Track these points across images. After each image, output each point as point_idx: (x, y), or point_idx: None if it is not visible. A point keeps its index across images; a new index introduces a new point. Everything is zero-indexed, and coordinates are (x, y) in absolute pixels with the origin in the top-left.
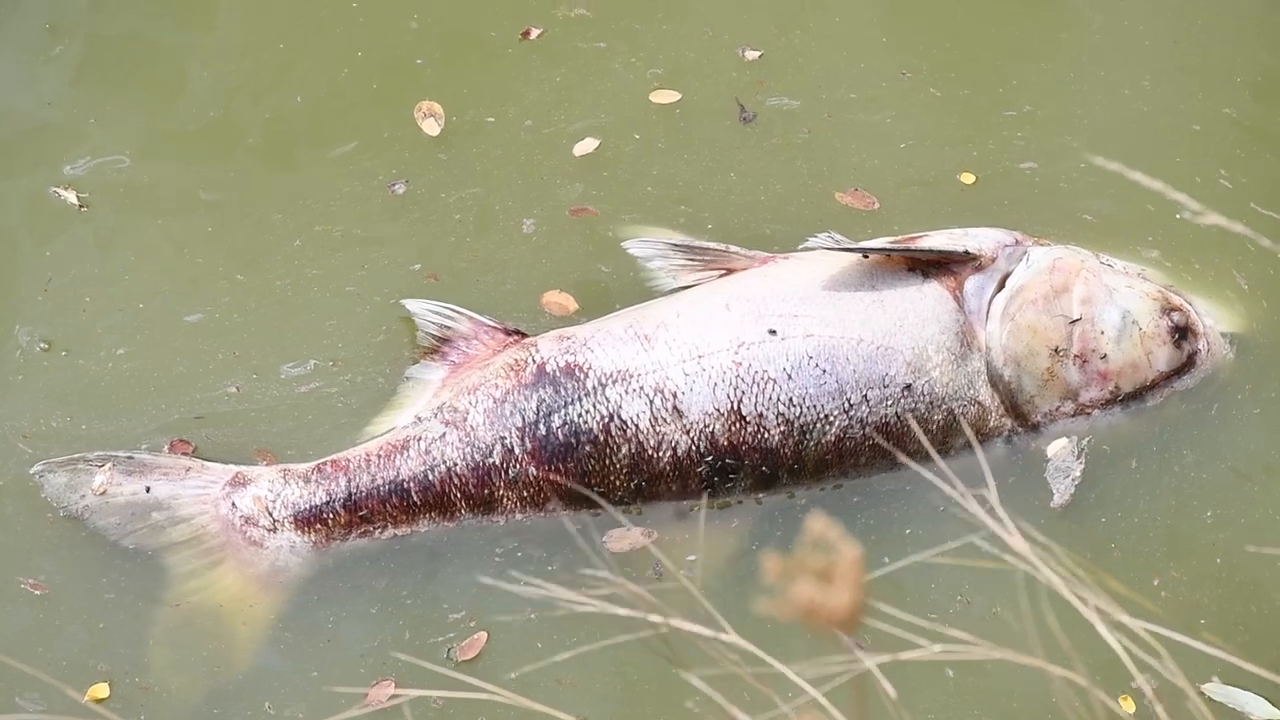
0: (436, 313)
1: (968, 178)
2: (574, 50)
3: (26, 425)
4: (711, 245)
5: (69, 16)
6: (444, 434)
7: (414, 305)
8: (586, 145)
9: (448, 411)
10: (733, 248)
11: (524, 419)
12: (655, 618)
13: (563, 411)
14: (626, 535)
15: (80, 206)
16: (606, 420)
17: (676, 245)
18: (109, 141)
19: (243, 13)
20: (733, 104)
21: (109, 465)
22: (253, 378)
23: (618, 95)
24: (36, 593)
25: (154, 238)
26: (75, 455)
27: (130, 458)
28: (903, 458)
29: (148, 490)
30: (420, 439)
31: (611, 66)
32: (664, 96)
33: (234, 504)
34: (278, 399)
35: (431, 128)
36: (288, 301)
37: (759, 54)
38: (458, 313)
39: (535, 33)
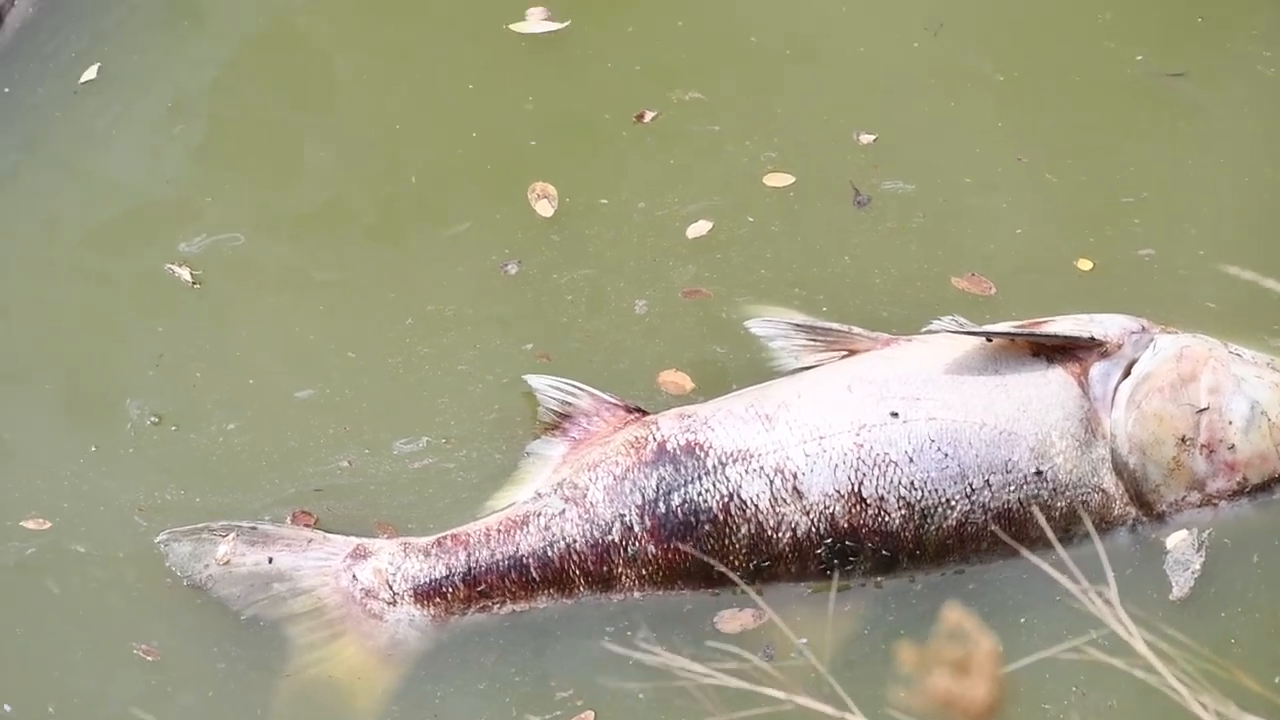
0: (558, 388)
1: (1085, 264)
2: (688, 133)
3: (141, 499)
4: (834, 326)
5: (191, 96)
6: (564, 510)
7: (536, 381)
8: (700, 228)
9: (568, 488)
10: (855, 329)
11: (644, 496)
12: (778, 693)
13: (683, 490)
14: (737, 616)
15: (193, 283)
16: (726, 499)
17: (798, 325)
18: (225, 219)
19: (361, 95)
20: (847, 187)
21: (233, 535)
22: (365, 453)
23: (731, 178)
24: (149, 659)
25: (265, 315)
26: (200, 525)
27: (254, 528)
28: (1023, 551)
29: (270, 561)
30: (540, 515)
31: (725, 149)
32: (778, 179)
33: (355, 576)
34: (392, 474)
35: (545, 209)
36: (399, 379)
37: (873, 138)
38: (579, 389)
39: (649, 116)
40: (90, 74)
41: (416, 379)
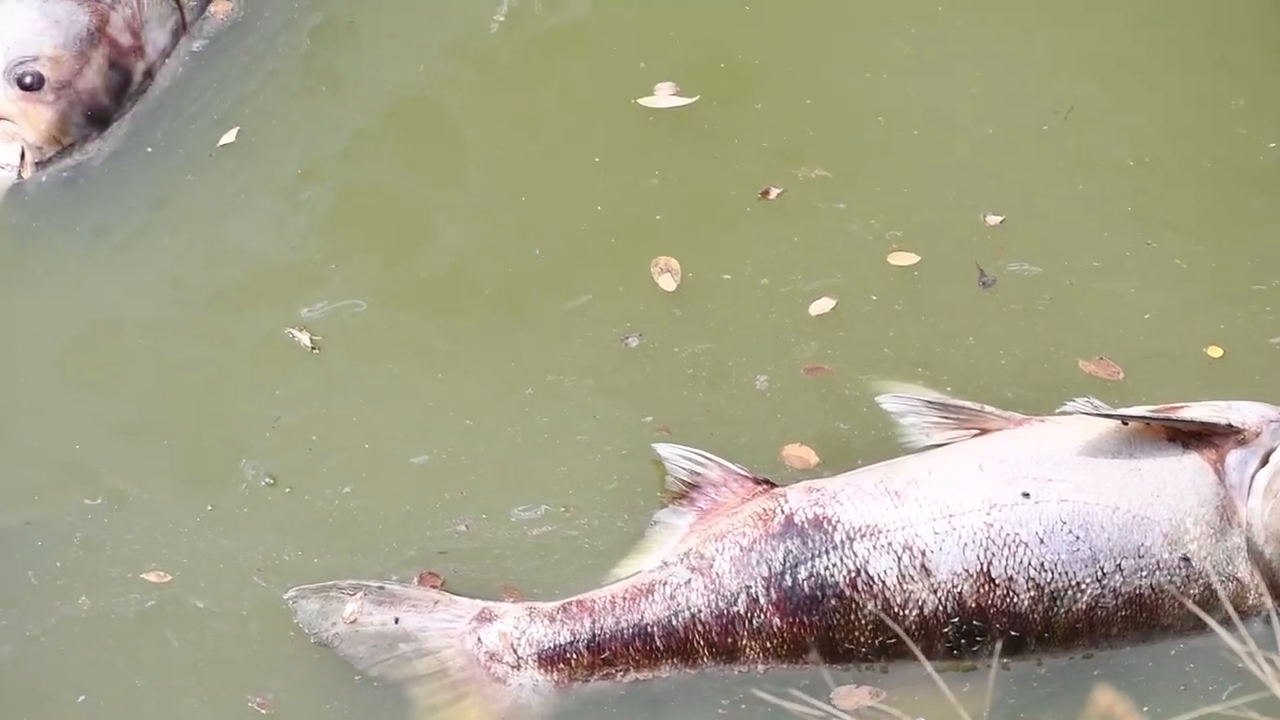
0: (687, 458)
1: (1215, 351)
2: (813, 210)
3: (260, 559)
4: (966, 404)
5: (322, 164)
6: (689, 580)
7: (665, 450)
8: (823, 305)
9: (694, 557)
10: (987, 408)
11: (770, 569)
12: None
13: (810, 563)
14: (854, 693)
15: (312, 348)
16: (853, 575)
17: (930, 402)
18: (347, 287)
19: (488, 167)
20: (972, 268)
21: (360, 594)
22: (482, 518)
23: (855, 256)
24: (263, 711)
25: (383, 382)
26: (328, 583)
27: (381, 588)
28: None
29: (396, 621)
30: (665, 584)
31: (850, 227)
32: (902, 258)
33: (480, 639)
34: (513, 539)
35: (668, 283)
36: (518, 447)
37: (1000, 219)
38: (708, 459)
39: (775, 192)
40: (229, 137)
41: (535, 447)
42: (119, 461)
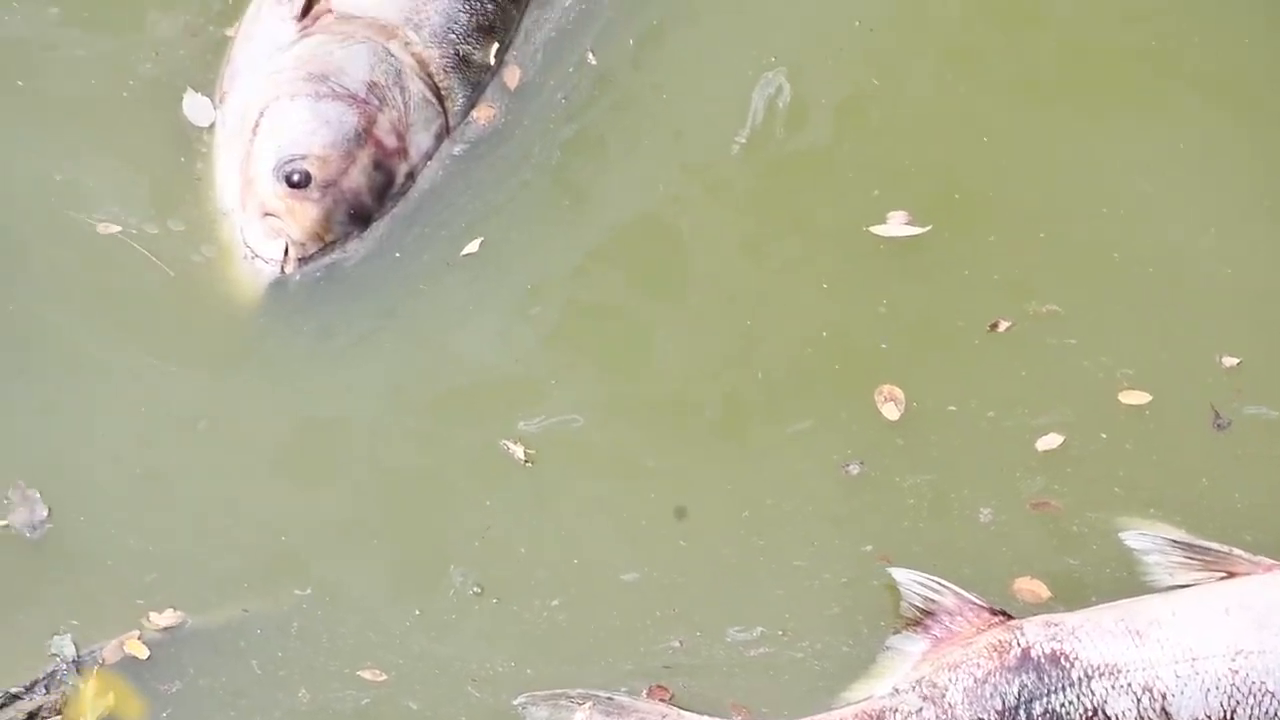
0: (923, 584)
1: None
2: (1043, 345)
3: (474, 668)
4: (1214, 546)
5: (552, 280)
6: (921, 709)
7: (900, 575)
8: (1050, 440)
9: (926, 686)
10: (1236, 551)
11: (1004, 702)
12: None
13: (1045, 699)
14: None
15: (526, 461)
16: (1090, 714)
17: (1176, 542)
18: (566, 402)
19: (715, 289)
20: (1207, 409)
21: (590, 704)
22: (696, 635)
23: (1085, 392)
24: None
25: (595, 498)
26: (558, 691)
27: (610, 699)
28: None
29: None
30: (897, 711)
31: (1080, 364)
32: (1134, 397)
33: None
34: (731, 658)
35: (891, 412)
36: (732, 569)
37: (1237, 361)
38: (944, 586)
39: (1004, 325)
40: (473, 247)
41: (750, 570)
42: (329, 556)
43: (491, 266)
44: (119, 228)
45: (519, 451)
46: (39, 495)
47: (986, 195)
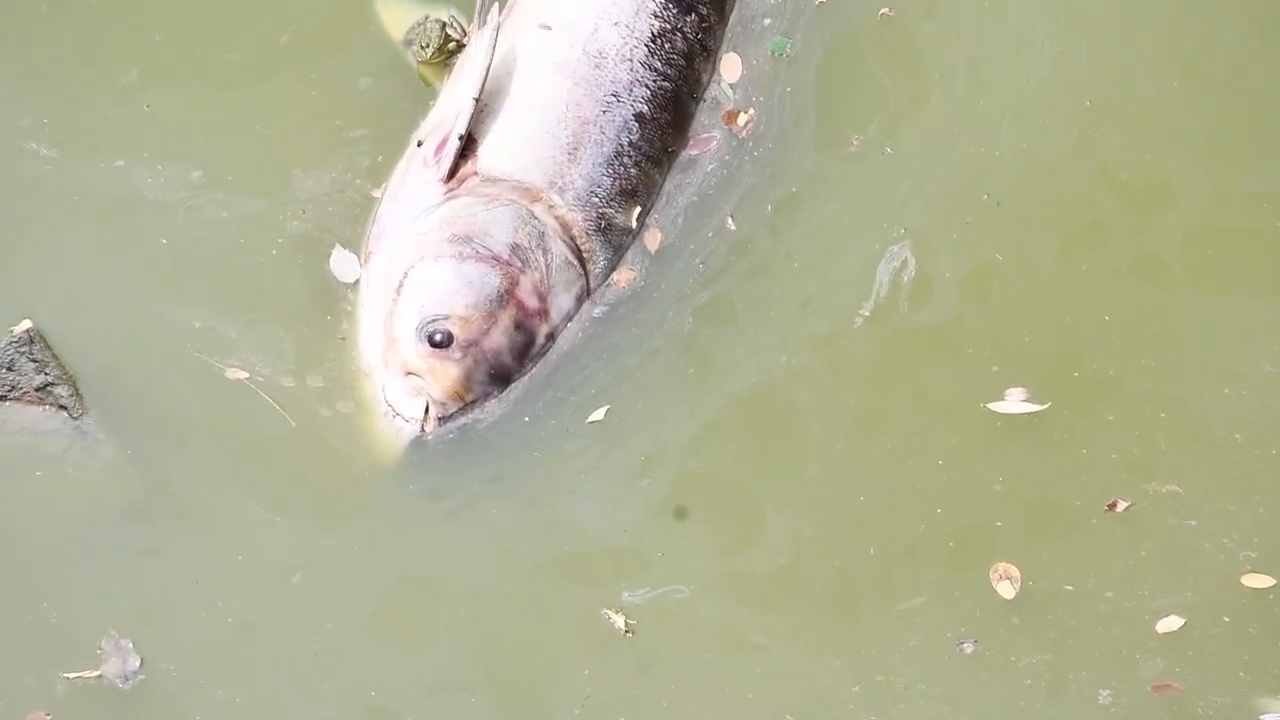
0: None
1: None
2: (1163, 525)
3: None
4: None
5: (666, 451)
6: None
7: None
8: (1170, 622)
9: None
10: None
11: None
12: None
13: None
14: None
15: (627, 631)
16: None
17: None
18: (672, 573)
19: (829, 464)
20: None
21: None
22: None
23: (1206, 574)
24: None
25: (697, 670)
26: None
27: None
28: None
29: None
30: None
31: (1202, 545)
32: (1257, 580)
33: None
34: None
35: (1006, 590)
36: None
37: None
38: None
39: (1122, 505)
40: (598, 415)
41: None
42: (422, 716)
43: (610, 435)
44: (247, 374)
45: (620, 621)
46: (131, 645)
47: (1106, 374)
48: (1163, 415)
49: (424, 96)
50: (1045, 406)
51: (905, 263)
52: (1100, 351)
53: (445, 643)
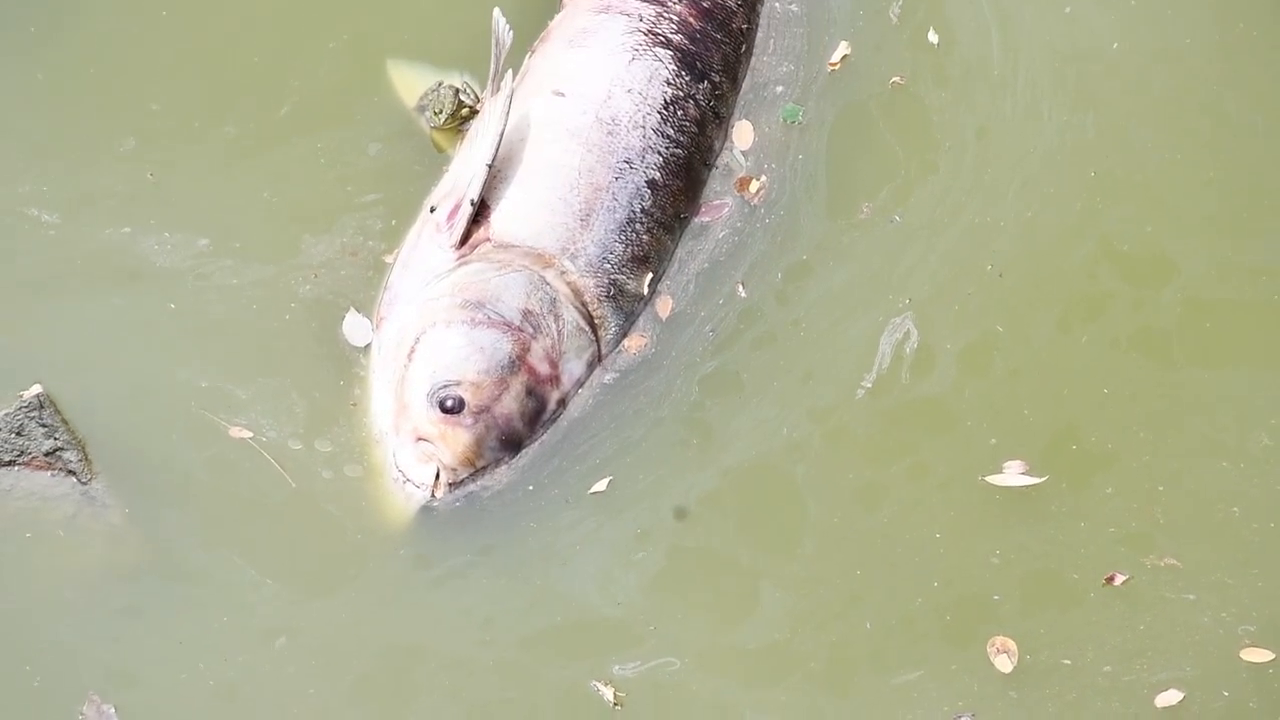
0: None
1: None
2: (1161, 599)
3: None
4: None
5: (659, 527)
6: None
7: None
8: (1169, 697)
9: None
10: None
11: None
12: None
13: None
14: None
15: (615, 704)
16: None
17: None
18: (664, 646)
19: (825, 538)
20: None
21: None
22: None
23: (1206, 649)
24: None
25: None
26: None
27: None
28: None
29: None
30: None
31: (1200, 619)
32: (1256, 655)
33: None
34: None
35: (1004, 664)
36: None
37: None
38: None
39: (1120, 579)
40: (600, 486)
41: None
42: None
43: (607, 507)
44: (250, 433)
45: (608, 694)
46: (114, 711)
47: (1105, 447)
48: (1161, 489)
49: (436, 161)
50: (1043, 479)
51: (908, 334)
52: (1099, 424)
53: (428, 713)
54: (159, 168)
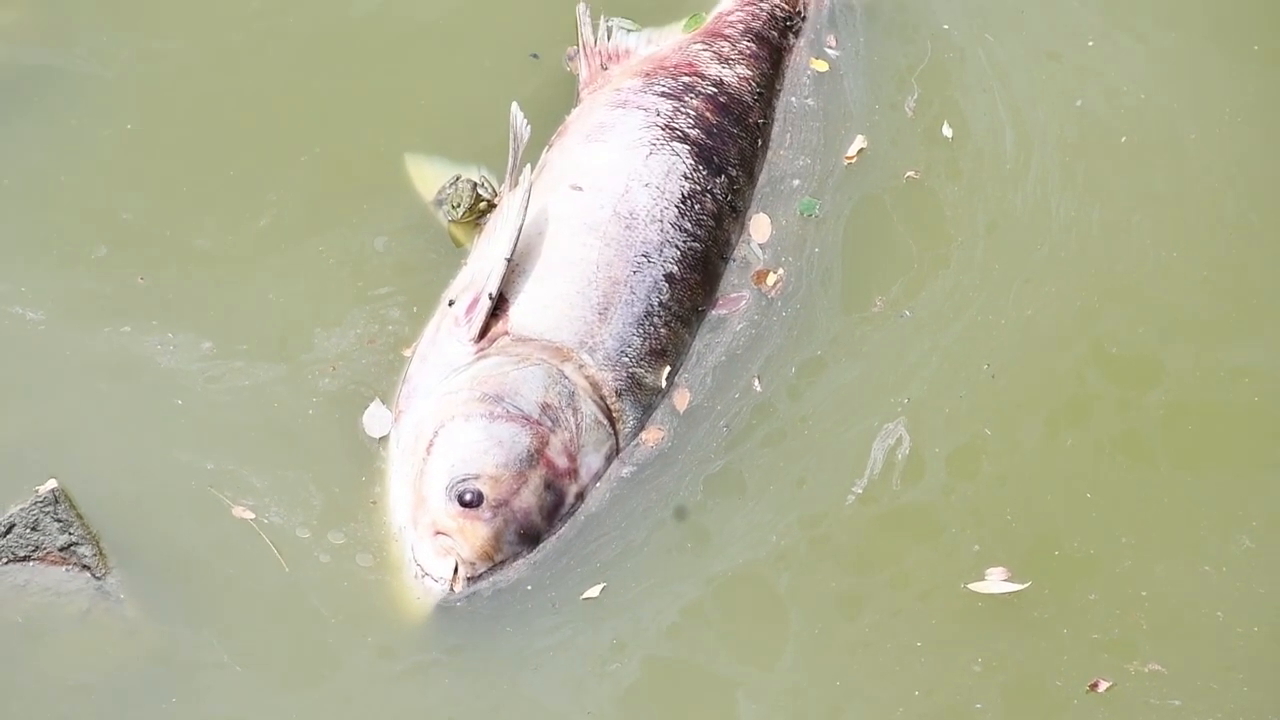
0: None
1: None
2: (1145, 705)
3: None
4: None
5: (640, 636)
6: None
7: None
8: None
9: None
10: None
11: None
12: None
13: None
14: None
15: None
16: None
17: None
18: None
19: (805, 648)
20: None
21: None
22: None
23: None
24: None
25: None
26: None
27: None
28: None
29: None
30: None
31: None
32: None
33: None
34: None
35: None
36: None
37: None
38: None
39: (1104, 685)
40: (593, 592)
41: None
42: None
43: (589, 614)
44: (253, 515)
45: None
46: None
47: (1087, 552)
48: (1144, 594)
49: (451, 251)
50: (1025, 586)
51: (900, 440)
52: (1081, 530)
53: None
54: (150, 273)
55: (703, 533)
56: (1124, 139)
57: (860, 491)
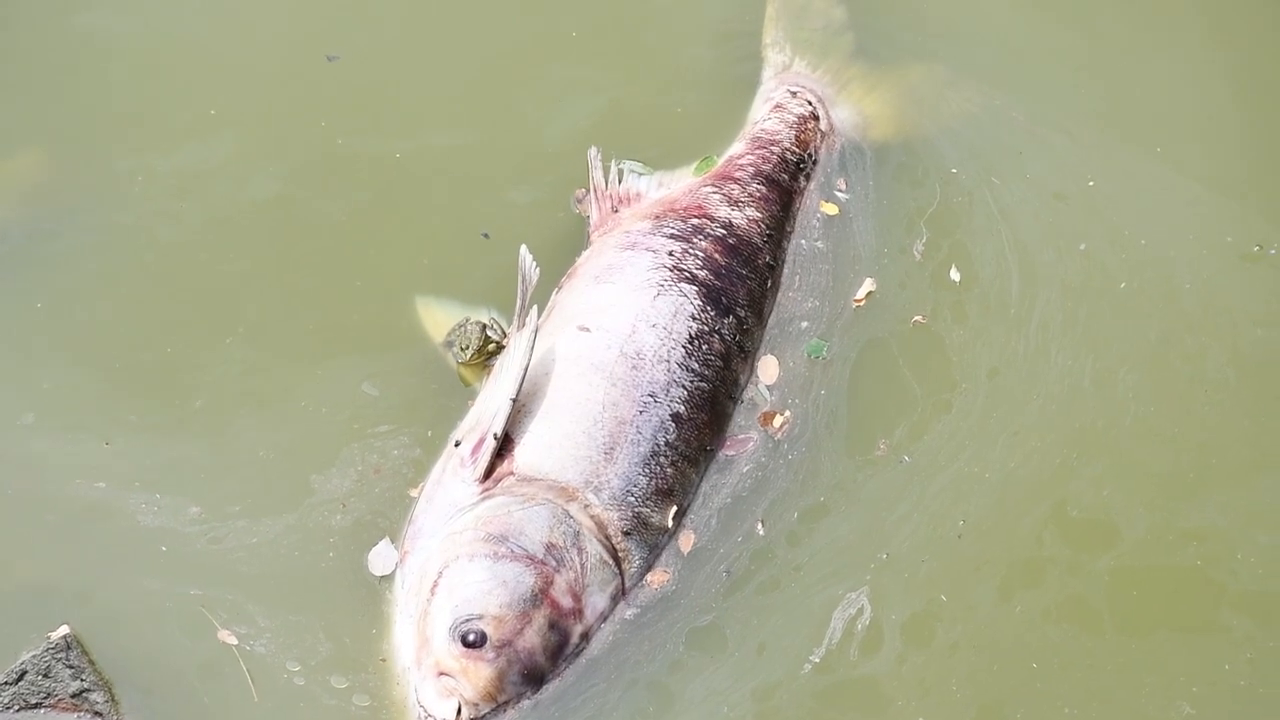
0: None
1: None
2: None
3: None
4: None
5: None
6: None
7: None
8: None
9: None
10: None
11: None
12: None
13: None
14: None
15: None
16: None
17: None
18: None
19: None
20: None
21: None
22: None
23: None
24: None
25: None
26: None
27: None
28: None
29: None
30: None
31: None
32: None
33: None
34: None
35: None
36: None
37: None
38: None
39: None
40: None
41: None
42: None
43: None
44: (236, 641)
45: None
46: None
47: None
48: None
49: (457, 390)
50: None
51: (861, 610)
52: (1024, 700)
53: None
54: (113, 437)
55: (666, 696)
56: (1123, 284)
57: (818, 660)
